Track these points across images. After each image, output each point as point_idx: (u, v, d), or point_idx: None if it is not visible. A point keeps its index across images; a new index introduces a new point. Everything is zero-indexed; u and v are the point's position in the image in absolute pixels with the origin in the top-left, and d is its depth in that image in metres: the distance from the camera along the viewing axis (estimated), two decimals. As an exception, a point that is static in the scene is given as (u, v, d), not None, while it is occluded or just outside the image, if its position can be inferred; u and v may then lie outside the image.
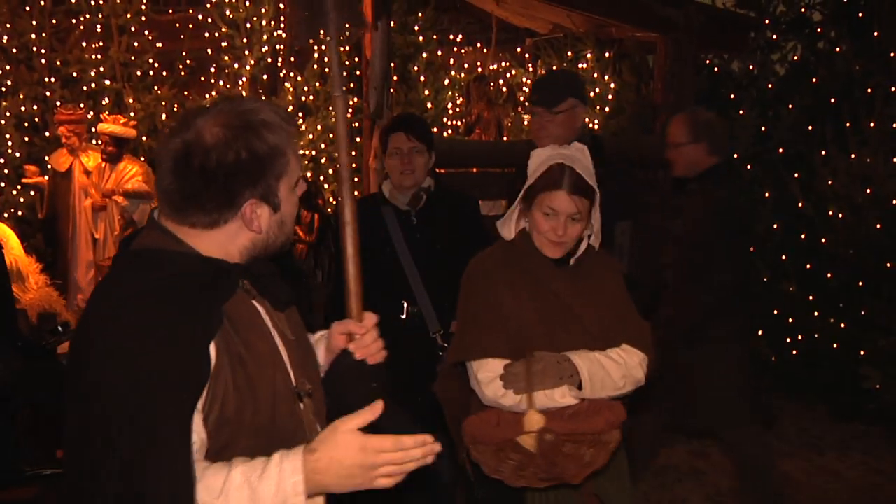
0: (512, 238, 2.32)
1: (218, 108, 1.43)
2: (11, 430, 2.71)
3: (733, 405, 3.32)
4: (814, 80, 5.86)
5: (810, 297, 5.30)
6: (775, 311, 5.44)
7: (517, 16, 7.91)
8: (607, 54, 7.16)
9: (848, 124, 5.30)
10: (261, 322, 1.50)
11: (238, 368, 1.39)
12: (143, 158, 6.32)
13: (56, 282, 5.37)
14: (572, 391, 2.10)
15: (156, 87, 7.34)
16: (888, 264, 4.95)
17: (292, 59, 7.62)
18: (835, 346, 5.09)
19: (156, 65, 7.44)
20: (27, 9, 7.08)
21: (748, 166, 5.83)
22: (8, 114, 6.82)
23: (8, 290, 2.79)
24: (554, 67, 7.38)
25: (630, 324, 2.26)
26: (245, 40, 7.35)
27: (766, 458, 3.46)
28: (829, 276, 5.22)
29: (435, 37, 8.39)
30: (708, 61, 6.52)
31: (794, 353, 5.32)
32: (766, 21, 6.22)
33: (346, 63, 7.61)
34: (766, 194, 5.69)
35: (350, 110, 7.47)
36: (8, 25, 7.01)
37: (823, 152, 5.39)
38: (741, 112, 5.94)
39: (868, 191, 5.10)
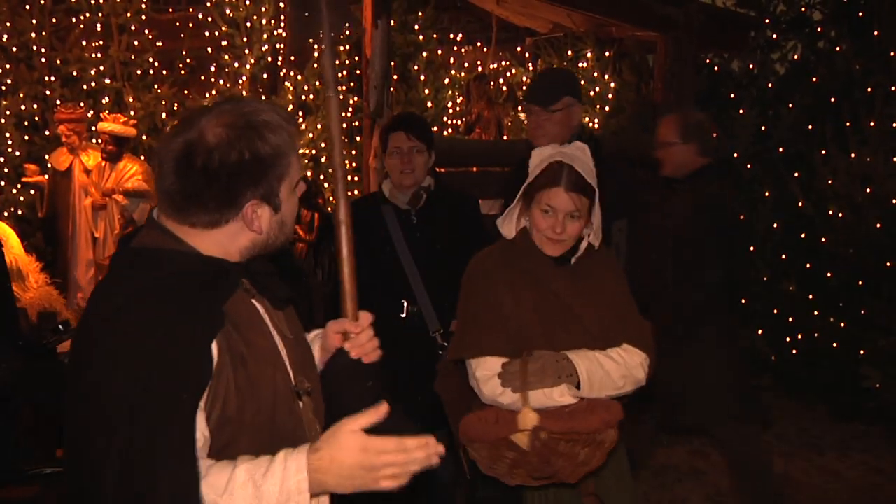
0: (513, 237, 2.32)
1: (220, 108, 1.43)
2: (12, 430, 2.71)
3: (723, 402, 3.32)
4: (814, 79, 5.86)
5: (810, 297, 5.30)
6: (775, 311, 5.44)
7: (517, 15, 7.92)
8: (607, 53, 7.17)
9: (848, 124, 5.30)
10: (260, 321, 1.51)
11: (239, 368, 1.40)
12: (143, 157, 6.32)
13: (56, 281, 5.37)
14: (571, 390, 2.10)
15: (156, 86, 7.34)
16: (888, 264, 4.95)
17: (292, 58, 7.62)
18: (835, 345, 5.09)
19: (156, 64, 7.43)
20: (27, 7, 7.07)
21: (748, 166, 5.83)
22: (8, 112, 6.82)
23: (8, 289, 2.79)
24: (555, 66, 7.38)
25: (631, 324, 2.26)
26: (245, 39, 7.35)
27: (759, 456, 3.46)
28: (829, 275, 5.22)
29: (435, 36, 8.39)
30: (708, 60, 6.52)
31: (794, 352, 5.33)
32: (767, 20, 6.23)
33: (346, 62, 7.62)
34: (766, 193, 5.69)
35: (350, 109, 7.47)
36: (8, 24, 7.00)
37: (823, 152, 5.40)
38: (741, 111, 5.94)
39: (868, 190, 5.10)
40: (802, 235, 5.47)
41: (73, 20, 7.26)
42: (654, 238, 3.36)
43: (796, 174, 5.54)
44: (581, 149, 2.28)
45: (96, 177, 6.00)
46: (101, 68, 7.21)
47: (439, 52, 8.55)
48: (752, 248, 5.69)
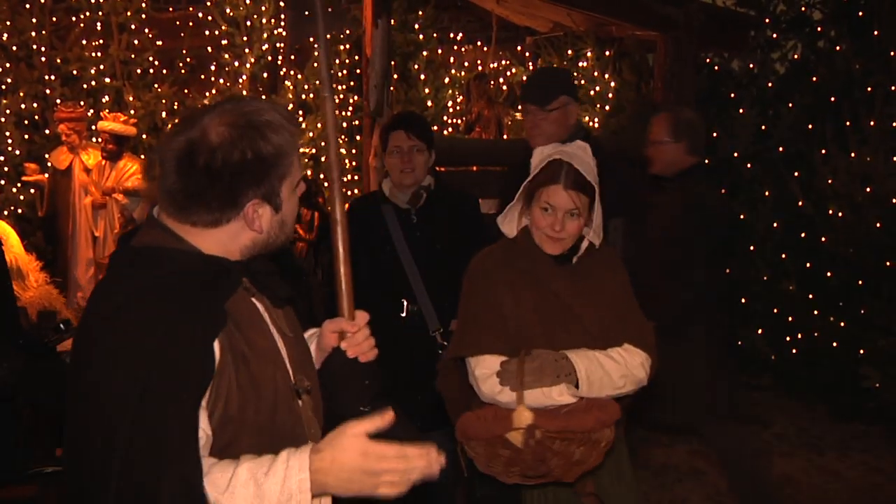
0: (514, 236, 2.32)
1: (222, 107, 1.43)
2: (12, 430, 2.70)
3: (710, 401, 3.32)
4: (814, 78, 5.87)
5: (810, 296, 5.30)
6: (775, 311, 5.45)
7: (517, 14, 7.91)
8: (607, 53, 7.16)
9: (848, 123, 5.30)
10: (261, 319, 1.51)
11: (241, 367, 1.40)
12: (143, 156, 6.31)
13: (56, 280, 5.37)
14: (570, 390, 2.10)
15: (156, 85, 7.34)
16: (888, 263, 4.95)
17: (292, 57, 7.63)
18: (834, 345, 5.10)
19: (156, 63, 7.43)
20: (27, 6, 7.07)
21: (748, 165, 5.83)
22: (8, 111, 6.82)
23: (8, 288, 2.78)
24: (555, 65, 7.38)
25: (631, 324, 2.26)
26: (245, 38, 7.34)
27: (746, 452, 3.46)
28: (828, 275, 5.23)
29: (435, 35, 8.38)
30: (708, 60, 6.52)
31: (794, 352, 5.33)
32: (767, 20, 6.23)
33: (346, 61, 7.62)
34: (766, 193, 5.69)
35: (350, 108, 7.47)
36: (8, 23, 7.00)
37: (823, 151, 5.40)
38: (741, 111, 5.94)
39: (868, 190, 5.10)
40: (802, 235, 5.48)
41: (73, 19, 7.25)
42: (643, 236, 3.37)
43: (796, 174, 5.54)
44: (582, 147, 2.28)
45: (96, 176, 6.01)
46: (101, 67, 7.20)
47: (439, 51, 8.54)
48: (752, 248, 5.70)
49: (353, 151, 7.33)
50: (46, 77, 7.04)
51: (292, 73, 7.56)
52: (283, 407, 1.46)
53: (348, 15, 7.38)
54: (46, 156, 6.35)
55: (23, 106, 6.89)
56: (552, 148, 2.29)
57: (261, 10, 7.32)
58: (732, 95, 6.10)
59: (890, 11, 5.58)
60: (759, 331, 5.46)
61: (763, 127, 5.91)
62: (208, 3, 7.39)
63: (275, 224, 1.47)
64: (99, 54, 7.22)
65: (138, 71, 7.34)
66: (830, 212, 5.26)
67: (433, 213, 3.11)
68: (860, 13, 5.80)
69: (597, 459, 2.05)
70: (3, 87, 6.94)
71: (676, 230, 3.27)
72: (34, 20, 7.07)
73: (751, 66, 6.24)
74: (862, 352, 4.92)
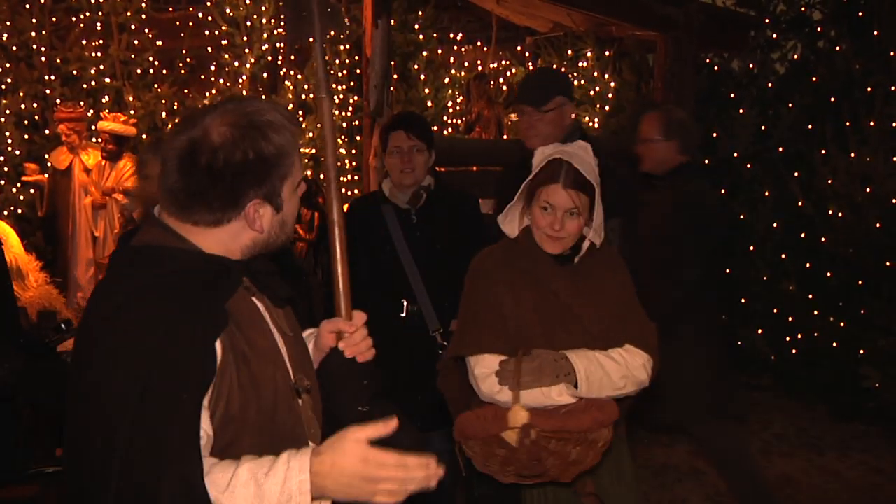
0: (515, 235, 2.32)
1: (224, 107, 1.43)
2: (12, 430, 2.70)
3: (701, 400, 3.32)
4: (814, 79, 5.87)
5: (810, 296, 5.30)
6: (775, 311, 5.45)
7: (517, 14, 7.91)
8: (607, 53, 7.17)
9: (848, 123, 5.30)
10: (261, 319, 1.51)
11: (242, 366, 1.40)
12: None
13: (56, 280, 5.37)
14: (569, 390, 2.10)
15: (156, 86, 7.34)
16: (888, 263, 4.95)
17: (292, 57, 7.62)
18: (834, 345, 5.10)
19: (156, 63, 7.43)
20: (27, 6, 7.07)
21: (748, 165, 5.83)
22: (8, 111, 6.81)
23: (8, 288, 2.78)
24: (555, 65, 7.39)
25: (633, 324, 2.25)
26: (245, 38, 7.34)
27: (739, 452, 3.45)
28: (828, 275, 5.23)
29: (435, 35, 8.39)
30: (708, 60, 6.53)
31: (794, 352, 5.33)
32: (767, 20, 6.23)
33: (346, 61, 7.62)
34: (766, 193, 5.69)
35: (350, 108, 7.47)
36: (8, 23, 6.99)
37: (823, 151, 5.40)
38: (741, 111, 5.94)
39: (868, 190, 5.11)
40: (802, 235, 5.48)
41: (73, 19, 7.25)
42: (635, 235, 3.36)
43: (796, 174, 5.54)
44: (583, 147, 2.28)
45: (96, 176, 6.01)
46: (101, 67, 7.20)
47: (439, 51, 8.55)
48: (752, 248, 5.70)
49: (353, 151, 7.33)
50: (46, 77, 7.03)
51: (292, 73, 7.56)
52: (283, 406, 1.47)
53: (347, 15, 7.38)
54: (46, 156, 6.35)
55: (23, 106, 6.89)
56: (553, 147, 2.29)
57: (261, 10, 7.32)
58: (732, 95, 6.10)
59: (890, 11, 5.58)
60: (759, 331, 5.46)
61: (763, 127, 5.91)
62: (208, 3, 7.38)
63: (276, 224, 1.48)
64: (99, 54, 7.22)
65: (138, 71, 7.34)
66: (830, 212, 5.26)
67: (433, 213, 3.11)
68: (860, 13, 5.80)
69: (594, 460, 2.05)
70: (3, 87, 6.94)
71: (667, 228, 3.26)
72: (34, 20, 7.06)
73: (751, 66, 6.24)
74: (862, 352, 4.92)
